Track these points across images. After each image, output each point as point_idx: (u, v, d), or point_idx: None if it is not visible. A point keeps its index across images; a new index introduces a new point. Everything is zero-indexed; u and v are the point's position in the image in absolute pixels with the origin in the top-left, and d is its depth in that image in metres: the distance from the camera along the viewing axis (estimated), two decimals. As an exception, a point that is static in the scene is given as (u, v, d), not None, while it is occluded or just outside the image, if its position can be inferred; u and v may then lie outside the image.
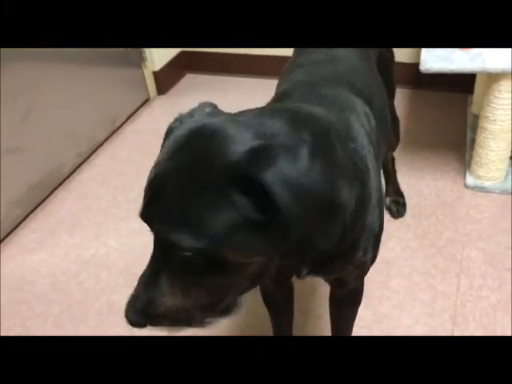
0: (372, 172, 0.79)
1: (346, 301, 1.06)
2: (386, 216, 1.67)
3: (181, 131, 0.64)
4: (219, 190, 0.57)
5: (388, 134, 1.13)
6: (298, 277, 0.85)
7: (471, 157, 1.73)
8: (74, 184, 1.98)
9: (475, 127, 1.70)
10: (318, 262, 0.80)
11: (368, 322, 1.36)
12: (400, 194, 1.68)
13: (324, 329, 1.34)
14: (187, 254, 0.60)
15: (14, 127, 1.75)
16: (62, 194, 1.94)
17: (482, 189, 1.70)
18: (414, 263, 1.50)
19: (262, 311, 1.15)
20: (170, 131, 0.69)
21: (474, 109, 1.99)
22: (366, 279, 1.45)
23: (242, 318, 1.42)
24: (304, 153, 0.57)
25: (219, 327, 1.18)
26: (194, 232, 0.58)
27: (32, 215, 1.85)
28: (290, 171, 0.55)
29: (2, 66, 1.68)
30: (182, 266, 0.63)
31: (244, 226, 0.57)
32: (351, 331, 1.14)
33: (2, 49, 1.62)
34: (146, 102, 2.39)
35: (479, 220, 1.62)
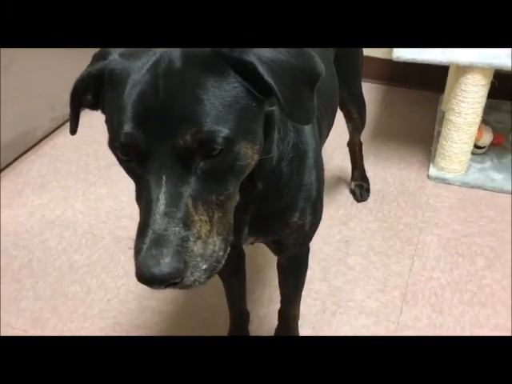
0: (306, 131, 0.83)
1: (290, 268, 1.07)
2: (350, 199, 1.72)
3: (145, 65, 0.60)
4: (218, 76, 0.59)
5: (333, 113, 1.16)
6: (241, 241, 0.86)
7: (436, 149, 1.79)
8: (47, 148, 1.99)
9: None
10: (257, 221, 0.81)
11: (322, 295, 1.40)
12: (365, 180, 1.73)
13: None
14: (218, 147, 0.58)
15: (-11, 83, 1.75)
16: (33, 157, 1.94)
17: (443, 180, 1.76)
18: (372, 243, 1.55)
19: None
20: (112, 75, 0.63)
21: (443, 107, 2.06)
22: (324, 255, 1.51)
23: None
24: None
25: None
26: (219, 118, 0.57)
27: (1, 174, 1.85)
28: (267, 51, 0.60)
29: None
30: (205, 175, 0.59)
31: (246, 99, 0.61)
32: (298, 299, 1.16)
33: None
34: (126, 76, 2.41)
35: (438, 209, 1.67)
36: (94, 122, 2.13)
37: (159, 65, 0.59)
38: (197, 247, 0.58)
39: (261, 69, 0.59)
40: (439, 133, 1.79)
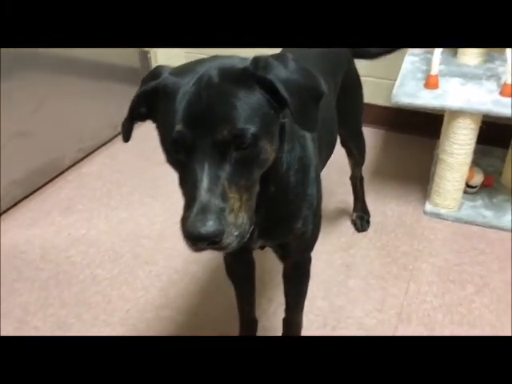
0: (309, 148, 1.00)
1: (293, 277, 1.21)
2: (351, 229, 1.87)
3: (191, 81, 0.77)
4: (247, 88, 0.77)
5: (331, 147, 1.32)
6: (252, 243, 1.02)
7: (432, 187, 1.94)
8: (73, 176, 2.16)
9: (438, 164, 1.93)
10: (266, 226, 0.95)
11: (324, 311, 1.52)
12: (365, 211, 1.88)
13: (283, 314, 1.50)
14: (247, 141, 0.74)
15: (26, 114, 1.95)
16: (60, 183, 2.11)
17: (438, 215, 1.91)
18: (371, 268, 1.68)
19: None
20: (166, 89, 0.78)
21: (439, 151, 2.23)
22: (326, 276, 1.64)
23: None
24: (290, 60, 0.81)
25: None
26: (248, 119, 0.75)
27: (31, 197, 2.02)
28: (284, 72, 0.78)
29: (26, 60, 1.90)
30: (236, 163, 0.74)
31: (267, 107, 0.78)
32: (301, 306, 1.29)
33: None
34: (147, 115, 2.61)
35: (432, 240, 1.81)
36: (117, 154, 2.33)
37: (202, 80, 0.77)
38: (231, 217, 0.74)
39: (278, 85, 0.77)
40: (434, 173, 1.95)
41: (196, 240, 0.72)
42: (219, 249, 0.75)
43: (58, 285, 1.62)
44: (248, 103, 0.76)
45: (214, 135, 0.74)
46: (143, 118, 0.86)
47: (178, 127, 0.75)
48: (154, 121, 0.84)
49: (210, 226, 0.71)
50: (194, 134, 0.74)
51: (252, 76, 0.77)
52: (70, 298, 1.57)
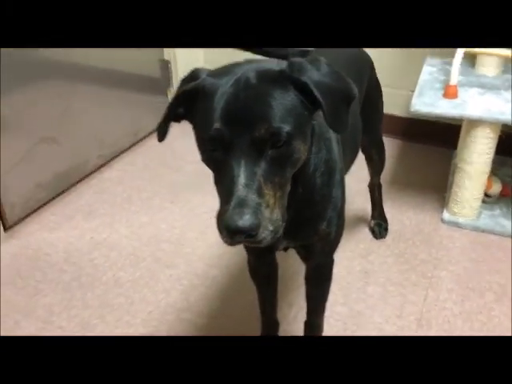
0: (335, 151, 1.03)
1: (316, 277, 1.23)
2: (369, 236, 1.88)
3: (229, 82, 0.80)
4: (282, 89, 0.80)
5: (354, 152, 1.36)
6: (278, 243, 1.04)
7: (449, 196, 1.96)
8: (95, 181, 2.20)
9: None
10: (292, 226, 0.94)
11: (344, 317, 1.54)
12: (383, 219, 1.89)
13: (303, 319, 1.51)
14: (283, 139, 0.77)
15: (52, 120, 2.00)
16: (82, 187, 2.16)
17: (456, 224, 1.92)
18: (389, 275, 1.70)
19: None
20: (204, 90, 0.82)
21: (457, 160, 2.24)
22: (345, 283, 1.66)
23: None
24: (323, 64, 0.84)
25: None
26: (283, 119, 0.78)
27: (54, 201, 2.06)
28: (317, 75, 0.82)
29: (51, 70, 1.96)
30: (272, 161, 0.77)
31: (300, 108, 0.81)
32: (323, 309, 1.30)
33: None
34: (166, 123, 2.65)
35: (451, 249, 1.82)
36: (137, 160, 2.37)
37: (240, 81, 0.80)
38: (267, 212, 0.77)
39: (312, 87, 0.80)
40: (452, 182, 1.97)
41: (233, 233, 0.75)
42: (254, 243, 0.78)
43: (82, 287, 1.65)
44: (283, 103, 0.79)
45: (252, 133, 0.77)
46: (180, 119, 0.89)
47: (217, 125, 0.78)
48: (191, 121, 0.87)
49: (247, 219, 0.74)
50: (232, 131, 0.77)
51: (287, 78, 0.81)
52: (94, 299, 1.60)
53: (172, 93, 2.65)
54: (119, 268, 1.73)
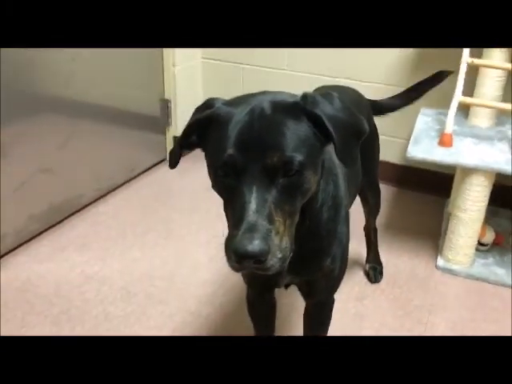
0: (341, 187, 1.04)
1: (316, 315, 1.22)
2: (364, 279, 1.87)
3: (244, 111, 0.82)
4: (296, 120, 0.82)
5: (355, 192, 1.38)
6: (281, 279, 1.04)
7: (443, 243, 1.97)
8: (89, 214, 2.19)
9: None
10: (296, 262, 0.93)
11: (338, 360, 1.50)
12: (378, 262, 1.89)
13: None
14: (295, 168, 0.78)
15: (50, 152, 2.01)
16: (76, 220, 2.14)
17: (450, 271, 1.92)
18: (384, 320, 1.68)
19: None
20: (219, 118, 0.84)
21: (449, 208, 2.27)
22: (340, 324, 1.63)
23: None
24: (336, 98, 0.86)
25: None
26: (296, 148, 0.79)
27: (47, 232, 2.04)
28: (330, 109, 0.84)
29: (52, 103, 1.98)
30: (283, 189, 0.78)
31: (313, 139, 0.83)
32: None
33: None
34: (162, 161, 2.66)
35: (445, 295, 1.81)
36: (132, 196, 2.37)
37: (254, 110, 0.82)
38: (276, 239, 0.77)
39: (325, 120, 0.82)
40: (446, 229, 1.98)
41: (242, 257, 0.75)
42: (262, 269, 0.77)
43: (70, 320, 1.61)
44: (297, 134, 0.81)
45: (264, 160, 0.78)
46: (192, 147, 0.90)
47: (230, 151, 0.79)
48: (204, 149, 0.88)
49: (256, 244, 0.74)
50: (245, 158, 0.78)
51: (301, 109, 0.83)
52: (82, 333, 1.55)
53: (170, 131, 2.68)
54: (110, 302, 1.69)
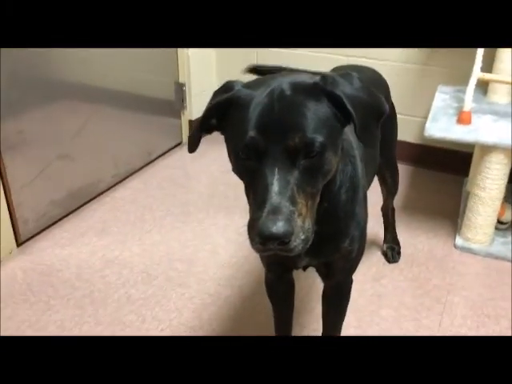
0: (359, 168, 1.03)
1: (334, 296, 1.22)
2: (382, 260, 1.87)
3: (263, 93, 0.82)
4: (316, 101, 0.81)
5: (374, 168, 1.37)
6: (299, 261, 1.04)
7: (462, 222, 1.95)
8: (108, 199, 2.22)
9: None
10: (314, 244, 0.91)
11: (357, 340, 1.52)
12: (396, 243, 1.89)
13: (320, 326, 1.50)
14: (316, 149, 0.78)
15: (68, 138, 2.03)
16: (95, 205, 2.17)
17: (469, 250, 1.91)
18: (403, 299, 1.68)
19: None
20: (239, 101, 0.84)
21: (468, 187, 2.25)
22: (358, 306, 1.64)
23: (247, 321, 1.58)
24: (355, 78, 0.86)
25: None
26: (317, 129, 0.79)
27: (67, 217, 2.07)
28: (350, 89, 0.83)
29: (69, 90, 2.00)
30: (304, 170, 0.78)
31: (333, 120, 0.82)
32: (338, 332, 1.29)
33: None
34: (179, 144, 2.68)
35: (464, 274, 1.81)
36: (150, 180, 2.39)
37: (274, 92, 0.82)
38: (299, 220, 0.77)
39: (345, 101, 0.81)
40: (465, 208, 1.97)
41: (266, 239, 0.75)
42: (286, 251, 0.77)
43: (93, 303, 1.64)
44: (317, 115, 0.80)
45: (286, 142, 0.78)
46: (211, 130, 0.90)
47: (251, 133, 0.79)
48: (223, 132, 0.89)
49: (280, 226, 0.74)
50: (266, 140, 0.78)
51: (322, 90, 0.82)
52: (105, 316, 1.59)
53: (186, 115, 2.68)
54: (131, 285, 1.72)
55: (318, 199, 0.85)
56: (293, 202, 0.76)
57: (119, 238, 1.96)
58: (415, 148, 2.55)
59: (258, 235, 0.76)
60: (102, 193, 2.23)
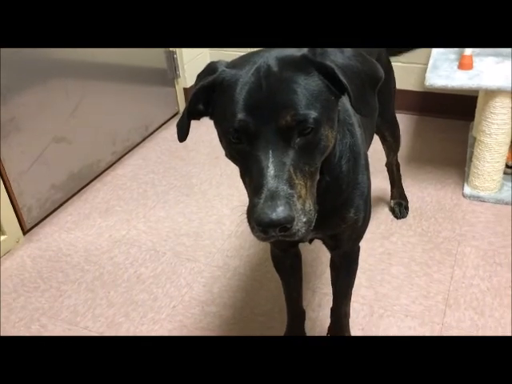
0: (358, 135, 0.99)
1: (343, 265, 1.20)
2: (390, 216, 1.85)
3: (249, 71, 0.77)
4: (306, 75, 0.77)
5: (373, 129, 1.32)
6: (302, 240, 1.01)
7: (469, 170, 1.91)
8: (109, 178, 2.20)
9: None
10: (319, 217, 0.88)
11: (369, 300, 1.51)
12: (403, 198, 1.86)
13: (328, 305, 1.49)
14: (310, 126, 0.74)
15: (63, 120, 1.99)
16: (97, 185, 2.15)
17: (477, 198, 1.87)
18: (413, 255, 1.66)
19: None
20: (224, 82, 0.79)
21: (474, 132, 2.19)
22: (368, 265, 1.63)
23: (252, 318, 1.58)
24: (347, 48, 0.81)
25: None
26: (310, 105, 0.75)
27: (70, 200, 2.06)
28: (341, 58, 0.79)
29: (59, 67, 1.94)
30: (300, 149, 0.74)
31: (326, 93, 0.78)
32: (349, 297, 1.28)
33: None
34: (175, 114, 2.63)
35: (474, 224, 1.78)
36: (149, 155, 2.35)
37: (260, 70, 0.77)
38: (299, 203, 0.74)
39: (337, 71, 0.76)
40: (472, 155, 1.92)
41: (267, 227, 0.72)
42: (289, 236, 0.74)
43: (104, 285, 1.65)
44: (308, 89, 0.76)
45: (278, 121, 0.73)
46: (199, 116, 0.86)
47: (240, 116, 0.75)
48: (211, 117, 0.84)
49: (280, 211, 0.71)
50: (257, 121, 0.74)
51: (311, 62, 0.77)
52: (117, 297, 1.60)
53: (180, 83, 2.62)
54: (140, 264, 1.72)
55: (317, 177, 0.81)
56: (291, 184, 0.73)
57: (124, 217, 1.95)
58: (418, 96, 2.47)
59: (258, 223, 0.72)
60: (102, 172, 2.20)
